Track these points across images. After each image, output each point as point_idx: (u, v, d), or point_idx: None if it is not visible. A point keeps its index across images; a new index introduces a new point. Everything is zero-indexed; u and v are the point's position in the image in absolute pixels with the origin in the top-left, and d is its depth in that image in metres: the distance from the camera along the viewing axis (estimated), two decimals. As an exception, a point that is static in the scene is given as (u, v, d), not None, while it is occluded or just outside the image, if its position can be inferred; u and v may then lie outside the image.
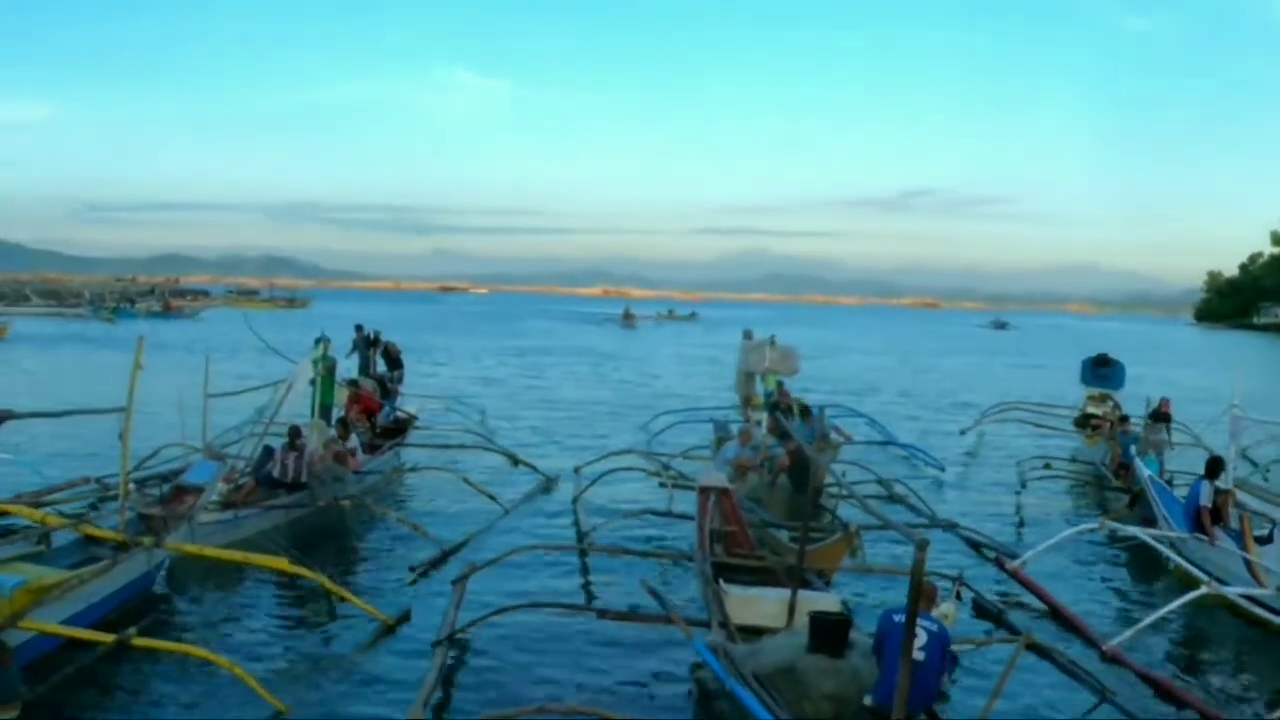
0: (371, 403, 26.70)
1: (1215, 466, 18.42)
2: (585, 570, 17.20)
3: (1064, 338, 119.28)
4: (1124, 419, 27.96)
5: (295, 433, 20.35)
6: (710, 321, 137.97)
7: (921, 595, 8.84)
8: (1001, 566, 17.91)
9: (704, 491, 16.19)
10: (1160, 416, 25.73)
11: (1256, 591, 15.49)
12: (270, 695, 11.19)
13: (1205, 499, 17.88)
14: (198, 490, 16.60)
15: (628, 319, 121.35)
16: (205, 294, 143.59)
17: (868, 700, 9.68)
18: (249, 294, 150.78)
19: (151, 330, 49.25)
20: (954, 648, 11.58)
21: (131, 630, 11.68)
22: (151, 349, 15.62)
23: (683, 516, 18.88)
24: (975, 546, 19.53)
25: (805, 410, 25.18)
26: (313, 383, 22.46)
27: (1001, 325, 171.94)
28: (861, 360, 76.52)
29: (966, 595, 15.41)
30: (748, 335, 34.83)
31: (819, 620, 10.88)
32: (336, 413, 23.93)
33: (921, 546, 8.46)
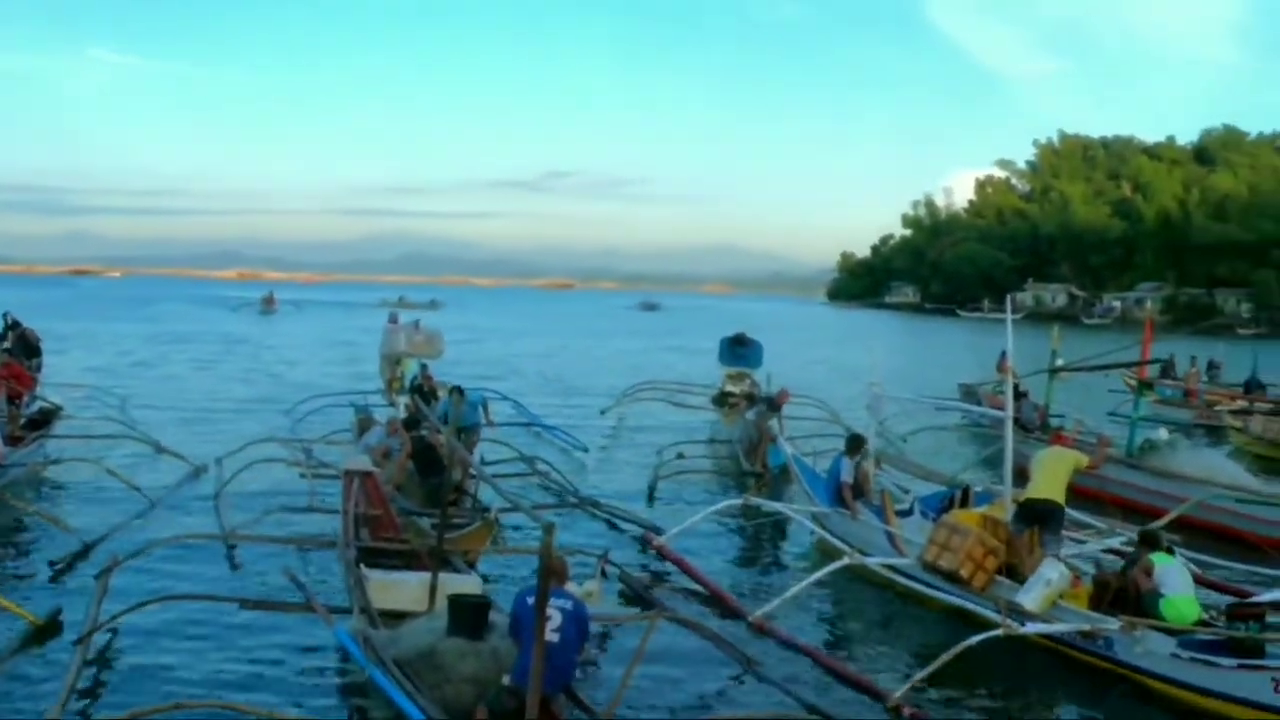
0: (24, 380, 25.44)
1: (855, 443, 18.80)
2: (231, 560, 16.58)
3: (710, 318, 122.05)
4: (753, 397, 28.76)
5: None
6: (351, 304, 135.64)
7: (552, 575, 8.97)
8: (647, 543, 18.09)
9: (348, 475, 15.94)
10: (775, 406, 26.14)
11: (897, 560, 16.11)
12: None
13: (846, 475, 18.28)
14: None
15: (268, 304, 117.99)
16: None
17: (506, 680, 9.70)
18: None
19: None
20: (597, 624, 11.64)
21: None
22: None
23: (325, 510, 18.42)
24: (620, 522, 19.81)
25: (458, 390, 24.41)
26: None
27: (652, 306, 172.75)
28: (504, 343, 76.55)
29: (612, 572, 15.55)
30: (392, 319, 34.57)
31: (457, 603, 10.88)
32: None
33: (548, 530, 8.66)
